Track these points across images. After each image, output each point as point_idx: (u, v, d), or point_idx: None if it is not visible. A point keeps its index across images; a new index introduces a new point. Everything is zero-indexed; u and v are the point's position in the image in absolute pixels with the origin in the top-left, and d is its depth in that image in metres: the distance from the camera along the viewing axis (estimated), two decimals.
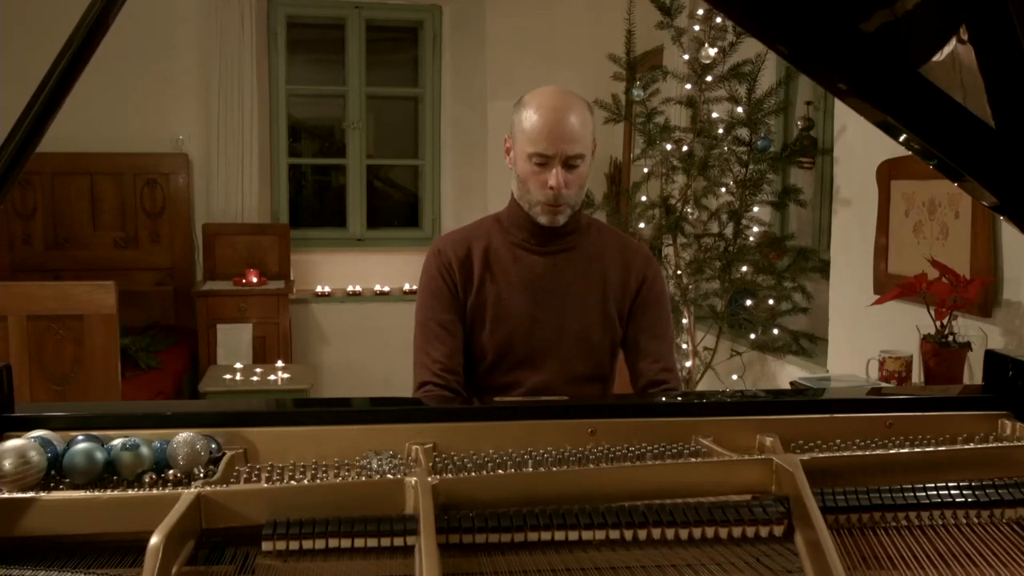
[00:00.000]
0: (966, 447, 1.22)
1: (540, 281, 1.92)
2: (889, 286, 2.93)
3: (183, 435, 1.15)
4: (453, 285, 1.92)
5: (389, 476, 1.09)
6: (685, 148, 3.98)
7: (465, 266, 1.93)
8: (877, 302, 2.86)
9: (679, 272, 4.06)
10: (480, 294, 1.92)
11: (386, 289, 5.72)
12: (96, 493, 1.03)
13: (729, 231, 3.95)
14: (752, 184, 3.81)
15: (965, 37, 1.03)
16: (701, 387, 4.09)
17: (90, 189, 5.39)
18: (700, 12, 3.94)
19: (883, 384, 2.69)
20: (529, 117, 1.84)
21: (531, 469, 1.15)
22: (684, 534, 1.03)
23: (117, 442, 1.13)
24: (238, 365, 4.69)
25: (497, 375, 1.92)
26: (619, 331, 1.97)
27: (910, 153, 1.22)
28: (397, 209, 6.47)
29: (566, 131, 1.81)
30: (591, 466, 1.15)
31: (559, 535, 1.02)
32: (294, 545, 0.98)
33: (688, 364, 4.09)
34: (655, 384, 1.92)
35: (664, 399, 1.65)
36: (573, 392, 1.90)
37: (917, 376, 2.68)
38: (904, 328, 2.78)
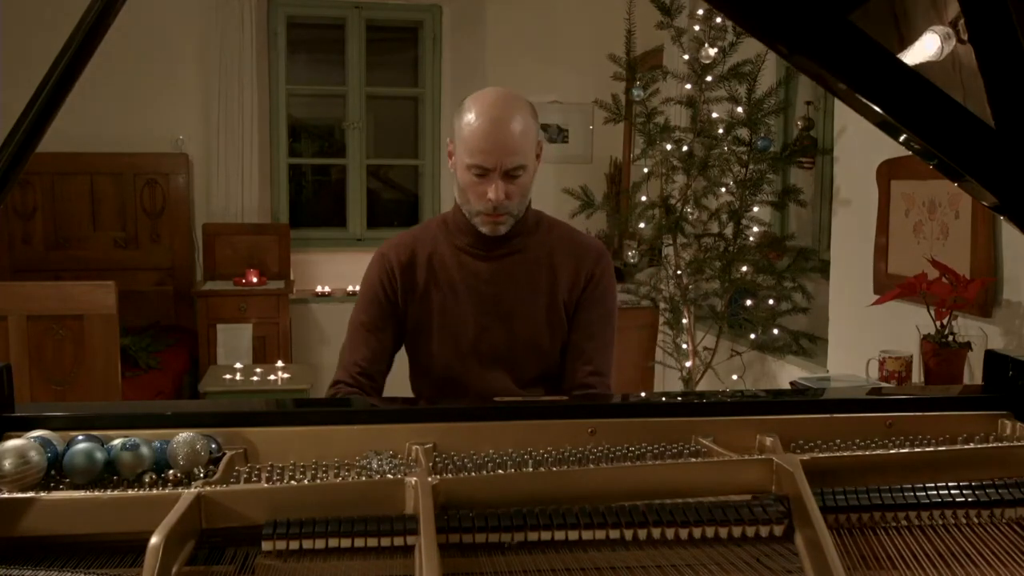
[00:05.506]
0: (966, 447, 1.22)
1: (486, 287, 1.86)
2: (889, 286, 2.93)
3: (183, 435, 1.15)
4: (392, 292, 1.88)
5: (389, 476, 1.09)
6: (685, 148, 3.98)
7: (408, 272, 1.88)
8: (877, 302, 2.86)
9: (679, 272, 4.06)
10: (425, 302, 1.88)
11: None
12: (96, 493, 1.03)
13: (729, 231, 3.95)
14: (752, 184, 3.81)
15: (965, 37, 1.03)
16: (701, 387, 4.09)
17: (90, 189, 5.39)
18: (700, 12, 3.94)
19: (883, 384, 2.69)
20: (469, 125, 1.76)
21: (531, 469, 1.15)
22: (684, 534, 1.03)
23: (117, 442, 1.13)
24: (238, 365, 4.69)
25: (449, 381, 1.88)
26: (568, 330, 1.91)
27: (910, 153, 1.22)
28: (397, 209, 6.47)
29: (506, 142, 1.74)
30: (591, 466, 1.15)
31: (559, 535, 1.02)
32: (294, 545, 0.98)
33: (688, 364, 4.09)
34: (581, 387, 1.86)
35: (664, 399, 1.65)
36: (529, 394, 1.86)
37: (917, 376, 2.68)
38: (904, 328, 2.78)
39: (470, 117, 1.76)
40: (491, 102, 1.77)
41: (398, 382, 1.99)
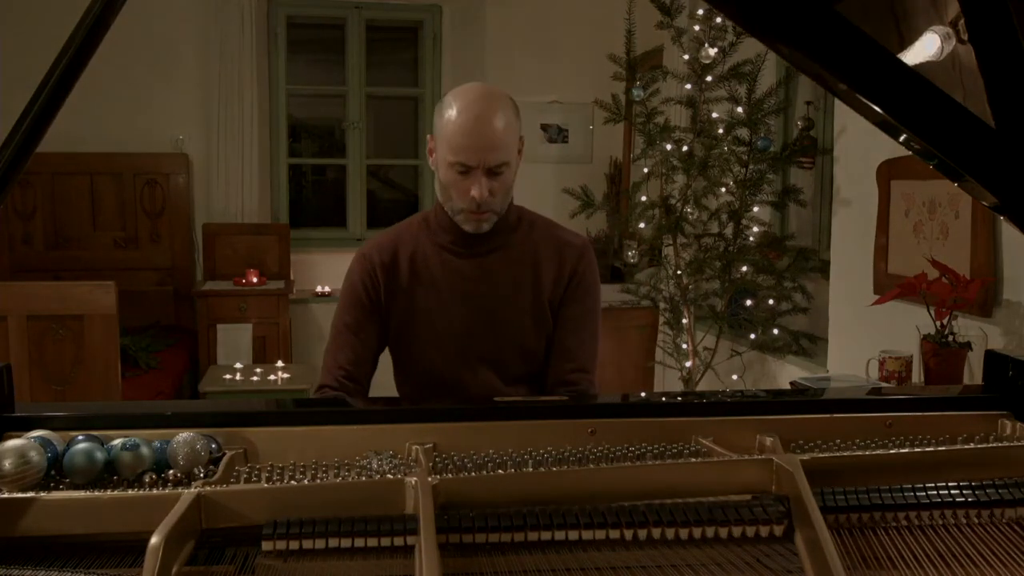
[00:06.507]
0: (966, 447, 1.22)
1: (469, 286, 1.85)
2: (889, 286, 2.93)
3: (183, 435, 1.15)
4: (375, 292, 1.86)
5: (389, 476, 1.09)
6: (685, 148, 3.98)
7: (390, 271, 1.86)
8: (877, 302, 2.86)
9: (679, 272, 4.06)
10: (408, 302, 1.86)
11: None
12: (96, 493, 1.03)
13: (729, 231, 3.95)
14: (752, 184, 3.81)
15: (965, 37, 1.03)
16: (701, 387, 4.09)
17: (90, 189, 5.39)
18: (700, 12, 3.94)
19: (883, 384, 2.69)
20: (451, 123, 1.73)
21: (531, 469, 1.15)
22: (684, 534, 1.03)
23: (117, 442, 1.13)
24: (238, 365, 4.69)
25: (434, 380, 1.87)
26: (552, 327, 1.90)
27: (910, 153, 1.22)
28: (397, 209, 6.47)
29: (489, 140, 1.72)
30: (591, 466, 1.15)
31: (559, 535, 1.02)
32: (294, 545, 0.98)
33: (688, 364, 4.09)
34: (564, 384, 1.85)
35: (664, 399, 1.65)
36: (515, 391, 1.85)
37: (917, 376, 2.68)
38: (904, 328, 2.78)
39: (451, 113, 1.73)
40: (473, 98, 1.74)
41: (383, 383, 1.98)
